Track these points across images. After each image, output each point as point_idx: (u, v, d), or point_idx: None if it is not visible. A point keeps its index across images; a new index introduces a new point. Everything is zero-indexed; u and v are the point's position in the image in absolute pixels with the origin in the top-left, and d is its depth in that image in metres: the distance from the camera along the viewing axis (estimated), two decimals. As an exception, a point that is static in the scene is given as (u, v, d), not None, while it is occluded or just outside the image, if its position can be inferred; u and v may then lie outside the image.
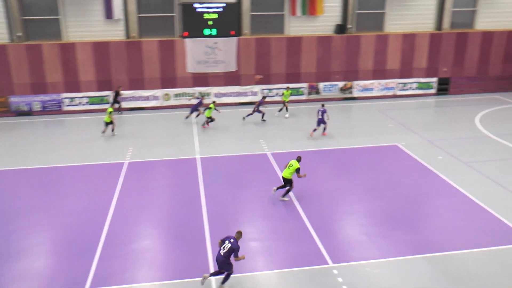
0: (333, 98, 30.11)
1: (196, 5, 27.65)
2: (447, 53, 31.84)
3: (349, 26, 30.31)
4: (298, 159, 16.49)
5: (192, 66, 28.56)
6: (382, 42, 30.63)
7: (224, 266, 11.62)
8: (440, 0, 31.42)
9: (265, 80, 29.70)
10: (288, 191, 16.55)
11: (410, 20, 31.60)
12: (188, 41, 28.11)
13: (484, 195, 16.92)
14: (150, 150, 21.67)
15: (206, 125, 24.86)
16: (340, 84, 30.56)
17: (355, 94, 30.82)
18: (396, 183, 18.12)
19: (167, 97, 28.62)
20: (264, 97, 26.41)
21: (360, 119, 26.62)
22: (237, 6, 28.64)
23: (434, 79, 32.03)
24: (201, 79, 28.96)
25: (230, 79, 29.30)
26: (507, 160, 20.48)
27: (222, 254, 11.48)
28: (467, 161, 20.20)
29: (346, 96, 30.72)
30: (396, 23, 31.44)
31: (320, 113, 23.09)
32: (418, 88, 31.90)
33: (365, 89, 30.98)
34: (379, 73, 31.12)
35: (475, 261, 12.99)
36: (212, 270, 12.48)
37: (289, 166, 16.22)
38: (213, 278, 12.19)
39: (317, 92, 30.17)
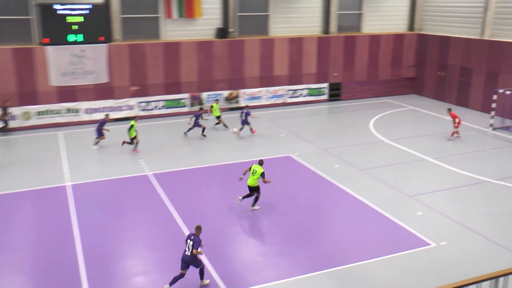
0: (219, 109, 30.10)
1: (56, 7, 26.29)
2: (337, 58, 33.41)
3: (231, 29, 30.67)
4: (260, 163, 16.89)
5: (56, 78, 27.07)
6: (267, 47, 31.36)
7: (194, 263, 12.46)
8: (326, 3, 32.96)
9: (142, 92, 28.99)
10: (256, 198, 16.93)
11: (296, 23, 32.75)
12: (50, 49, 26.63)
13: (381, 201, 17.73)
14: (7, 180, 19.96)
15: (136, 150, 23.32)
16: (225, 93, 30.75)
17: (242, 103, 31.16)
18: (292, 196, 18.40)
19: (27, 116, 26.80)
20: (200, 108, 26.46)
21: (249, 130, 26.89)
22: (106, 8, 27.73)
23: (325, 85, 33.43)
24: (68, 93, 27.51)
25: (102, 92, 28.19)
26: (401, 164, 21.75)
27: (188, 254, 12.36)
28: (363, 167, 21.14)
29: (233, 106, 30.96)
30: (281, 26, 32.41)
31: (243, 114, 25.28)
32: (309, 94, 33.08)
33: (253, 97, 31.47)
34: (267, 80, 31.80)
35: (377, 270, 13.43)
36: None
37: (253, 172, 16.50)
38: None
39: (200, 103, 29.95)
